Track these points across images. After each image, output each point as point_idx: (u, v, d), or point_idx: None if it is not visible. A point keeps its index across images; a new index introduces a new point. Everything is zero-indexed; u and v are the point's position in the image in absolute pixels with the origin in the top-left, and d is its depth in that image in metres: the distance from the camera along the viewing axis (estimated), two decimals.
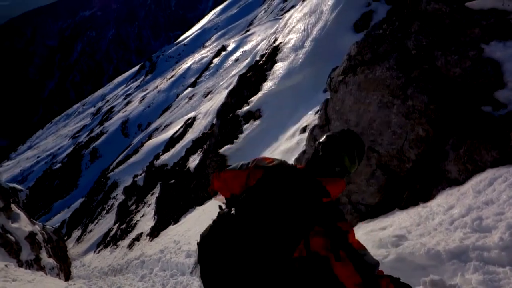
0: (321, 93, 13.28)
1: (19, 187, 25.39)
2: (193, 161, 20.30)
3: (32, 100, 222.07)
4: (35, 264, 11.34)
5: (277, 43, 20.32)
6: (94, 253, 28.03)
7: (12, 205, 11.94)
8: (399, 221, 3.37)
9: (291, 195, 1.93)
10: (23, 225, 11.85)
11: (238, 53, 52.41)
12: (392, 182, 3.92)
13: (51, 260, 12.86)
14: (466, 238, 2.53)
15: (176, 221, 16.79)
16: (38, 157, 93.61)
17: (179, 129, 33.96)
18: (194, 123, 30.07)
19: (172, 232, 14.19)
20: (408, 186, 3.77)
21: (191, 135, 27.68)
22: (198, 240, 1.99)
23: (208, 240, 1.94)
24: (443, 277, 2.39)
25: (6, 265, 8.35)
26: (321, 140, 2.19)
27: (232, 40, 62.65)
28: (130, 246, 20.49)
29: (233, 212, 1.94)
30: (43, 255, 12.42)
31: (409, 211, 3.44)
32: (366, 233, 3.67)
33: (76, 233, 41.74)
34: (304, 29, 17.57)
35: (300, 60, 15.98)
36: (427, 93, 3.65)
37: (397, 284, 2.04)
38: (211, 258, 1.89)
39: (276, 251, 1.79)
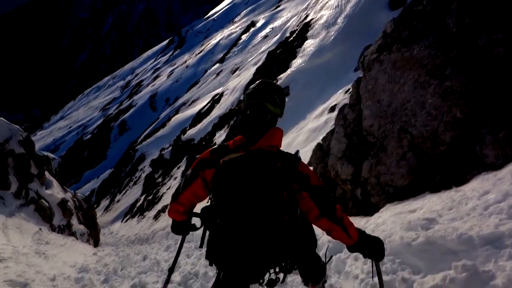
0: (352, 72, 12.99)
1: (51, 155, 26.36)
2: (220, 137, 20.43)
3: (65, 71, 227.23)
4: (66, 230, 11.81)
5: (308, 19, 19.90)
6: (121, 222, 28.97)
7: (46, 173, 12.38)
8: (429, 204, 3.29)
9: (255, 174, 2.11)
10: (56, 192, 12.30)
11: (267, 30, 51.71)
12: (423, 164, 3.82)
13: (81, 227, 13.37)
14: (502, 225, 2.45)
15: None
16: (69, 127, 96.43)
17: (206, 104, 34.13)
18: (221, 99, 30.11)
19: (197, 206, 14.47)
20: (441, 169, 3.66)
21: (218, 111, 27.78)
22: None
23: (216, 240, 2.27)
24: (476, 262, 2.33)
25: (40, 229, 8.73)
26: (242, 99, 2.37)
27: (262, 16, 61.78)
28: (156, 217, 21.04)
29: (218, 222, 2.22)
30: (74, 221, 12.92)
31: (441, 195, 3.36)
32: (394, 215, 3.61)
33: (105, 202, 43.15)
34: (337, 5, 17.08)
35: (332, 38, 15.61)
36: (467, 74, 3.50)
37: (358, 229, 2.25)
38: (225, 248, 2.22)
39: (267, 214, 2.10)
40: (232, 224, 2.17)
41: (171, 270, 2.72)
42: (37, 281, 4.55)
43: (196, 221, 2.58)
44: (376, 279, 2.29)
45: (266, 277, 2.33)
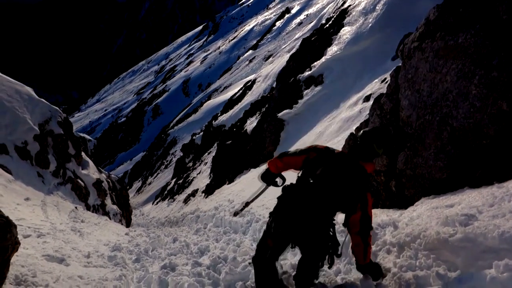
0: (389, 61, 12.64)
1: (88, 137, 27.26)
2: (251, 124, 20.46)
3: (102, 55, 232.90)
4: (100, 209, 12.22)
5: (345, 5, 19.45)
6: (152, 204, 29.72)
7: (82, 153, 12.80)
8: (469, 199, 3.16)
9: (351, 173, 3.15)
10: (91, 172, 12.71)
11: (302, 16, 51.06)
12: (464, 158, 3.67)
13: (115, 207, 13.80)
14: None
15: (231, 180, 17.22)
16: (105, 110, 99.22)
17: (238, 91, 34.22)
18: (254, 86, 30.09)
19: (227, 191, 14.60)
20: (482, 164, 3.50)
21: (250, 97, 27.80)
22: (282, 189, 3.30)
23: (293, 193, 3.18)
24: None
25: (76, 207, 9.05)
26: (359, 134, 3.35)
27: (297, 2, 60.96)
28: (186, 201, 21.44)
29: (311, 181, 3.14)
30: (108, 201, 13.34)
31: (481, 191, 3.21)
32: (429, 209, 3.50)
33: (137, 184, 44.35)
34: None
35: (370, 25, 15.21)
36: None
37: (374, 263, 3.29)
38: (295, 205, 3.11)
39: (341, 203, 3.13)
40: (318, 189, 3.09)
41: (247, 204, 3.83)
42: (72, 257, 4.72)
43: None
44: None
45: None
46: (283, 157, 3.40)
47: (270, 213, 3.26)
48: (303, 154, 3.29)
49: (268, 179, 3.54)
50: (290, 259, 4.67)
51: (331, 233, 3.17)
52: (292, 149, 3.57)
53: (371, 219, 3.16)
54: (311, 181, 3.12)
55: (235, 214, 4.20)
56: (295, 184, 3.22)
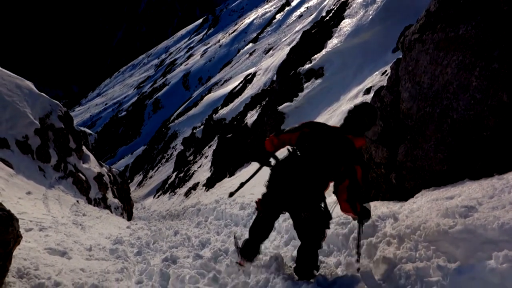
0: (390, 53, 12.58)
1: (88, 131, 27.29)
2: (251, 117, 20.44)
3: (102, 49, 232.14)
4: (102, 203, 12.26)
5: None
6: (153, 197, 29.79)
7: (83, 147, 12.81)
8: (469, 191, 3.17)
9: (338, 144, 3.39)
10: (92, 166, 12.73)
11: (302, 9, 50.78)
12: (464, 150, 3.67)
13: (116, 201, 13.84)
14: None
15: (231, 174, 17.25)
16: (105, 104, 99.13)
17: (238, 84, 34.14)
18: (254, 79, 30.01)
19: (227, 184, 14.63)
20: (482, 156, 3.51)
21: (250, 91, 27.74)
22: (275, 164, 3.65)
23: (285, 165, 3.51)
24: None
25: (77, 201, 9.08)
26: (349, 110, 3.60)
27: None
28: (187, 194, 21.49)
29: (299, 154, 3.46)
30: (109, 195, 13.38)
31: (482, 182, 3.22)
32: (430, 201, 3.51)
33: (138, 177, 44.44)
34: None
35: (370, 17, 15.11)
36: None
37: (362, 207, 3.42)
38: (291, 170, 3.44)
39: (326, 173, 3.41)
40: (305, 160, 3.39)
41: (242, 185, 4.07)
42: (75, 250, 4.75)
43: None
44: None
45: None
46: (280, 134, 3.65)
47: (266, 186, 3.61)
48: (298, 131, 3.56)
49: (263, 159, 3.74)
50: (290, 252, 4.70)
51: (322, 208, 3.47)
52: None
53: (361, 189, 3.30)
54: (299, 154, 3.45)
55: (230, 194, 4.24)
56: (286, 157, 3.54)
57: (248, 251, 3.80)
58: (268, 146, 3.70)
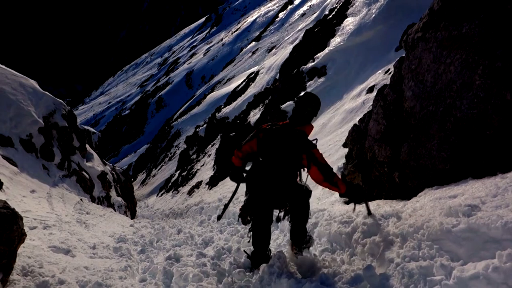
0: (393, 52, 12.57)
1: (92, 129, 27.36)
2: (254, 115, 20.45)
3: (105, 47, 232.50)
4: (105, 201, 12.30)
5: None
6: (157, 196, 29.86)
7: (87, 146, 12.86)
8: (472, 190, 3.16)
9: (290, 139, 3.75)
10: (96, 164, 12.77)
11: (305, 7, 50.68)
12: (467, 149, 3.66)
13: (119, 199, 13.88)
14: None
15: None
16: (109, 103, 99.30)
17: (241, 83, 34.14)
18: (257, 77, 30.00)
19: (230, 183, 14.63)
20: (486, 155, 3.50)
21: (253, 89, 27.74)
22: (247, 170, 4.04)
23: (254, 172, 3.91)
24: None
25: (81, 199, 9.12)
26: (294, 101, 3.94)
27: None
28: (190, 192, 21.53)
29: (260, 159, 3.88)
30: (113, 193, 13.42)
31: (485, 181, 3.21)
32: (433, 199, 3.51)
33: (141, 176, 44.54)
34: None
35: (373, 16, 15.09)
36: None
37: (346, 182, 3.90)
38: (260, 176, 3.85)
39: (289, 167, 3.81)
40: (268, 163, 3.79)
41: (226, 206, 4.51)
42: (78, 248, 4.77)
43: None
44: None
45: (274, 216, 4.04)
46: (241, 147, 4.07)
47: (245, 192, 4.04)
48: (254, 138, 3.94)
49: (237, 177, 4.19)
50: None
51: (303, 188, 3.93)
52: None
53: (328, 166, 3.72)
54: (261, 159, 3.86)
55: (219, 218, 4.79)
56: (252, 166, 3.96)
57: (258, 261, 4.06)
58: (236, 161, 4.14)
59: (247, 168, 4.13)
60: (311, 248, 4.46)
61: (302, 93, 4.03)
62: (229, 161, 4.16)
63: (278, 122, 3.98)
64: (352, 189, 3.85)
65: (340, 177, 4.06)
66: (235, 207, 8.72)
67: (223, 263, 4.55)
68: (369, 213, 3.93)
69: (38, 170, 9.51)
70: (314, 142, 3.81)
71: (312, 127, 3.98)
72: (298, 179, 3.97)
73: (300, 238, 4.02)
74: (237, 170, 4.15)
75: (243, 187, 4.26)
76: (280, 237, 5.54)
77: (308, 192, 3.96)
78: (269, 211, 3.96)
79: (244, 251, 4.62)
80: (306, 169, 3.82)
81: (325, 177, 3.67)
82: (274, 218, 4.09)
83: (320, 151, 3.81)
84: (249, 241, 4.20)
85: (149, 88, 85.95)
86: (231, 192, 4.83)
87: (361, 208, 4.35)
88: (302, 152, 3.70)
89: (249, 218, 4.04)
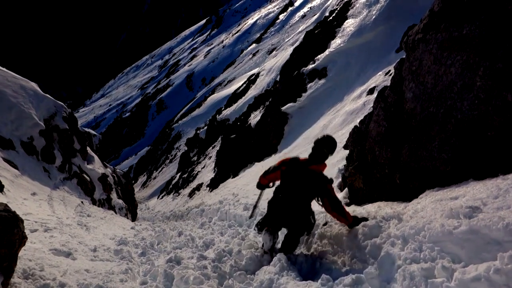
0: (393, 53, 12.57)
1: (93, 132, 27.36)
2: (255, 117, 20.45)
3: (105, 50, 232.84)
4: (106, 203, 12.30)
5: None
6: (157, 198, 29.86)
7: (87, 148, 12.86)
8: (473, 192, 3.16)
9: (305, 178, 4.41)
10: (97, 167, 12.78)
11: (305, 9, 50.73)
12: (468, 150, 3.66)
13: (120, 201, 13.88)
14: None
15: (235, 174, 17.26)
16: (109, 105, 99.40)
17: (242, 85, 34.17)
18: (257, 79, 30.02)
19: (231, 185, 14.64)
20: (487, 156, 3.49)
21: (253, 91, 27.75)
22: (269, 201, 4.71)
23: (276, 202, 4.60)
24: None
25: (82, 202, 9.12)
26: (314, 142, 4.54)
27: None
28: (191, 195, 21.52)
29: (280, 195, 4.56)
30: (114, 196, 13.42)
31: (486, 183, 3.21)
32: (434, 201, 3.50)
33: (142, 178, 44.55)
34: None
35: (374, 17, 15.09)
36: None
37: (355, 217, 4.26)
38: (278, 205, 4.56)
39: (303, 202, 4.47)
40: (285, 195, 4.48)
41: (255, 207, 5.44)
42: (79, 251, 4.77)
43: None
44: None
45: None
46: (266, 175, 4.80)
47: (268, 204, 4.71)
48: (277, 170, 4.63)
49: (262, 187, 5.04)
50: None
51: (311, 220, 4.59)
52: (274, 163, 4.98)
53: (338, 200, 4.33)
54: (280, 195, 4.53)
55: (250, 217, 5.76)
56: (276, 191, 4.64)
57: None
58: (263, 182, 4.92)
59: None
60: (311, 250, 4.51)
61: (321, 136, 4.58)
62: (259, 182, 4.97)
63: (299, 158, 4.57)
64: (357, 221, 4.18)
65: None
66: (236, 209, 8.72)
67: (224, 265, 4.55)
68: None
69: (39, 172, 9.52)
70: (330, 179, 4.41)
71: (325, 165, 4.51)
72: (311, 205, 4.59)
73: (290, 244, 4.64)
74: (263, 185, 4.98)
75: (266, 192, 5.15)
76: (282, 240, 5.54)
77: (312, 224, 4.63)
78: (279, 227, 4.71)
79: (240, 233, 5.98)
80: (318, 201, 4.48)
81: (333, 207, 4.28)
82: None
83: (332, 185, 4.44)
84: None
85: (149, 90, 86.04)
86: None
87: (362, 210, 4.41)
88: (316, 189, 4.37)
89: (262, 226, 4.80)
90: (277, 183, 4.75)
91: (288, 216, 4.49)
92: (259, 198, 5.32)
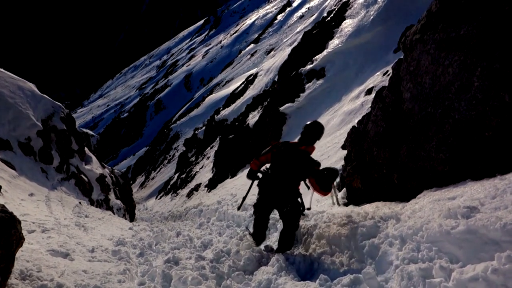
0: (391, 53, 12.58)
1: (90, 132, 27.26)
2: (253, 118, 20.44)
3: (104, 50, 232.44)
4: (104, 204, 12.28)
5: None
6: (155, 198, 29.82)
7: (85, 149, 12.83)
8: (471, 192, 3.16)
9: (295, 157, 4.72)
10: (95, 167, 12.75)
11: (303, 9, 50.77)
12: (466, 150, 3.66)
13: (118, 202, 13.86)
14: None
15: (233, 174, 17.25)
16: (107, 105, 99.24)
17: (240, 85, 34.17)
18: (255, 80, 30.01)
19: (229, 185, 14.64)
20: (484, 156, 3.50)
21: (251, 91, 27.75)
22: (260, 176, 5.10)
23: (265, 181, 4.93)
24: None
25: (80, 202, 9.10)
26: (303, 126, 4.92)
27: None
28: (189, 195, 21.50)
29: (270, 172, 4.91)
30: (112, 196, 13.40)
31: (484, 183, 3.21)
32: (432, 201, 3.51)
33: (140, 179, 44.48)
34: None
35: (371, 17, 15.10)
36: None
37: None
38: (268, 184, 4.87)
39: (292, 183, 4.75)
40: (276, 174, 4.78)
41: (244, 199, 5.48)
42: (77, 251, 4.76)
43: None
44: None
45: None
46: (259, 157, 5.05)
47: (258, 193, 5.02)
48: (269, 152, 4.93)
49: (252, 176, 5.16)
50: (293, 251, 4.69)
51: (299, 200, 4.79)
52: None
53: (323, 176, 4.67)
54: (270, 172, 4.85)
55: (239, 208, 5.67)
56: (266, 172, 4.95)
57: (257, 239, 5.15)
58: (254, 167, 5.11)
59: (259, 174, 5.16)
60: (310, 250, 4.53)
61: (310, 121, 4.98)
62: (250, 168, 5.18)
63: (289, 141, 4.94)
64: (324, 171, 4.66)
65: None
66: (234, 210, 8.71)
67: (222, 266, 4.54)
68: (338, 203, 5.02)
69: (36, 173, 9.49)
70: (317, 161, 4.73)
71: (314, 148, 4.88)
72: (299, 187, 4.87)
73: (287, 242, 4.79)
74: (253, 172, 5.13)
75: (254, 186, 5.23)
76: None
77: (302, 207, 4.81)
78: (270, 207, 4.99)
79: (246, 227, 5.99)
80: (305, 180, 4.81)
81: (322, 188, 4.64)
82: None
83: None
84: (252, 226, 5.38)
85: (148, 91, 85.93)
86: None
87: (360, 210, 4.40)
88: (305, 168, 4.68)
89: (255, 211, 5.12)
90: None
91: (280, 195, 4.74)
92: (249, 190, 5.44)
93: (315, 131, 4.86)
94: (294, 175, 4.73)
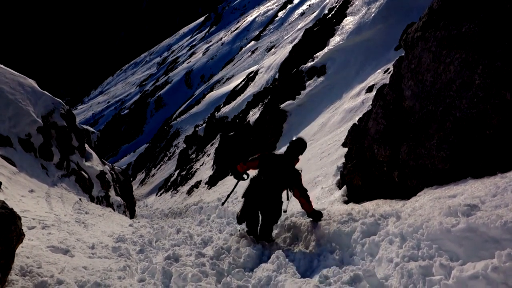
0: (392, 51, 12.56)
1: (91, 129, 27.29)
2: (253, 115, 20.43)
3: (104, 47, 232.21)
4: (104, 201, 12.28)
5: None
6: (156, 195, 29.84)
7: (86, 145, 12.83)
8: (471, 190, 3.16)
9: (282, 167, 5.22)
10: (95, 164, 12.75)
11: (304, 7, 50.69)
12: (467, 148, 3.66)
13: (119, 198, 13.87)
14: None
15: None
16: (108, 102, 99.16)
17: (240, 82, 34.11)
18: (256, 77, 29.96)
19: (230, 182, 14.64)
20: (485, 154, 3.50)
21: (252, 89, 27.71)
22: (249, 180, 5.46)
23: (254, 185, 5.31)
24: None
25: (80, 199, 9.10)
26: (290, 142, 5.44)
27: None
28: (189, 192, 21.51)
29: (262, 177, 5.27)
30: (112, 193, 13.40)
31: (484, 181, 3.21)
32: (432, 199, 3.51)
33: (140, 176, 44.50)
34: None
35: (373, 15, 15.06)
36: None
37: (315, 210, 5.13)
38: (256, 190, 5.28)
39: (278, 189, 5.25)
40: (264, 182, 5.20)
41: (228, 196, 6.10)
42: (77, 248, 4.76)
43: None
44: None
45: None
46: (246, 162, 5.40)
47: (243, 195, 5.45)
48: (257, 160, 5.34)
49: (238, 176, 5.52)
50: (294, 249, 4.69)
51: (278, 206, 5.27)
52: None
53: (306, 190, 5.17)
54: (262, 178, 5.24)
55: (223, 204, 6.30)
56: (255, 178, 5.33)
57: (251, 234, 5.46)
58: (240, 169, 5.47)
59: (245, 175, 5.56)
60: (310, 247, 4.53)
61: (295, 138, 5.49)
62: (234, 167, 5.54)
63: (276, 154, 5.52)
64: (316, 213, 5.00)
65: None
66: (234, 207, 8.72)
67: (222, 263, 4.55)
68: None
69: (37, 169, 9.49)
70: (300, 171, 5.24)
71: (298, 160, 5.37)
72: (284, 195, 5.36)
73: (263, 232, 5.37)
74: (239, 173, 5.49)
75: (241, 184, 5.65)
76: (280, 237, 5.55)
77: (280, 211, 5.33)
78: (256, 210, 5.41)
79: (239, 230, 6.28)
80: (289, 190, 5.26)
81: (301, 194, 5.11)
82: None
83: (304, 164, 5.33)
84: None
85: (148, 88, 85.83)
86: (230, 191, 6.11)
87: (360, 207, 4.42)
88: (289, 179, 5.17)
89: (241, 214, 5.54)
90: (252, 175, 5.41)
91: (265, 201, 5.22)
92: (234, 187, 5.96)
93: (300, 146, 5.36)
94: (279, 184, 5.24)
